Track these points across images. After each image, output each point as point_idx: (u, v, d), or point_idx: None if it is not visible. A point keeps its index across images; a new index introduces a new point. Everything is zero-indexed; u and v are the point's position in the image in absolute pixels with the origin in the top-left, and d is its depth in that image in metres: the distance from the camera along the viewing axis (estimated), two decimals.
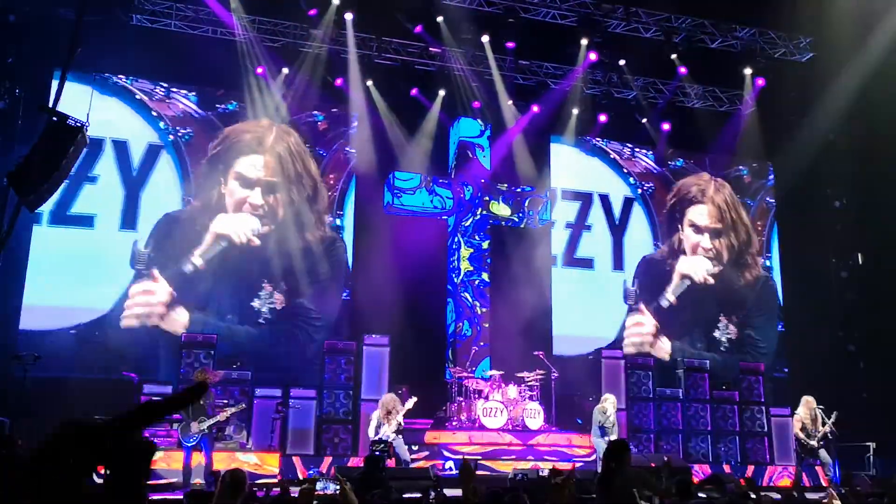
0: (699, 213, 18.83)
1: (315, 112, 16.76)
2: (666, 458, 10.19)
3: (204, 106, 16.08)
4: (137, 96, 15.70)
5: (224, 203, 15.74)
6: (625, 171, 18.89)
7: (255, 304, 15.57)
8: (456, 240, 16.73)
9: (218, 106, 16.14)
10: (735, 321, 18.49)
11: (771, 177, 19.77)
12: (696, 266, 18.48)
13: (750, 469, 14.24)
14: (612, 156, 18.84)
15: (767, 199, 19.64)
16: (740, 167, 19.55)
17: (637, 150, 19.02)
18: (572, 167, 18.51)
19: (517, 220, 16.97)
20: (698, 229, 18.71)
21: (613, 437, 12.72)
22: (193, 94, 16.06)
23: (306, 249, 15.98)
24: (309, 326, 15.76)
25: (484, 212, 16.75)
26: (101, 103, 14.67)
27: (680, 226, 18.75)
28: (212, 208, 15.65)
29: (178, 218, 15.52)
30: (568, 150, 18.46)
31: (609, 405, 12.77)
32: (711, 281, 18.48)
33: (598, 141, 18.59)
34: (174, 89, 15.96)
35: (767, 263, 19.25)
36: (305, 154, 16.41)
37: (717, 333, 18.30)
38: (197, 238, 15.43)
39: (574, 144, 18.33)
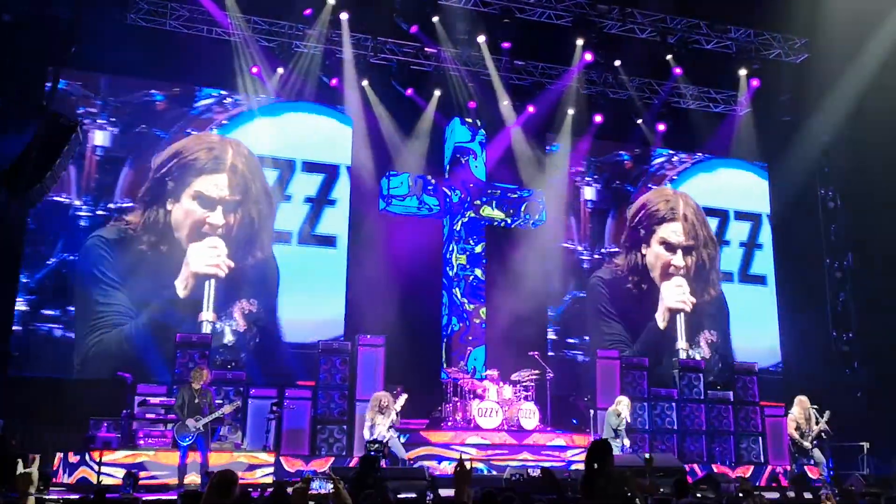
0: (672, 231, 18.35)
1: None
2: (647, 456, 10.17)
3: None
4: None
5: (171, 221, 15.12)
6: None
7: (218, 325, 15.24)
8: (450, 247, 16.77)
9: None
10: (707, 340, 18.22)
11: (657, 161, 19.00)
12: (681, 293, 18.03)
13: (749, 469, 14.29)
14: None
15: (650, 185, 18.85)
16: (621, 152, 18.77)
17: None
18: None
19: (509, 221, 17.03)
20: (671, 247, 18.24)
21: (626, 441, 12.75)
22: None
23: (265, 263, 15.73)
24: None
25: (473, 214, 16.78)
26: None
27: (645, 244, 18.25)
28: (157, 229, 15.03)
29: (124, 242, 14.79)
30: None
31: (623, 408, 12.72)
32: (695, 300, 18.25)
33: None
34: None
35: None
36: (260, 170, 15.92)
37: (691, 352, 17.88)
38: (172, 268, 15.06)
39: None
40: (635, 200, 18.56)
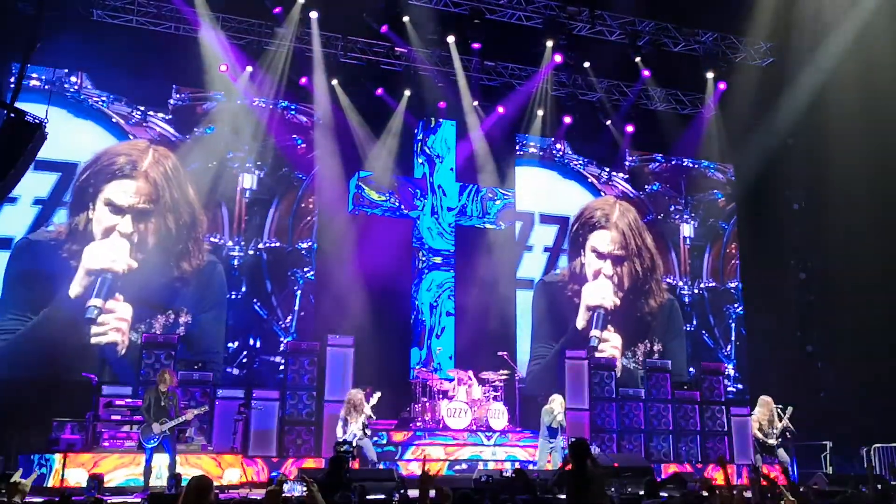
0: (601, 239, 18.23)
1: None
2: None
3: (181, 129, 15.60)
4: (114, 119, 15.20)
5: (91, 230, 14.65)
6: (603, 195, 18.71)
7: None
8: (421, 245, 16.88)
9: (196, 130, 15.66)
10: (642, 349, 18.02)
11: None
12: (602, 292, 17.86)
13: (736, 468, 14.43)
14: (589, 179, 18.69)
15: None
16: (715, 190, 19.67)
17: (613, 173, 18.82)
18: (549, 190, 18.36)
19: (475, 222, 17.21)
20: (601, 255, 18.12)
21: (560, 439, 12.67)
22: (170, 116, 15.56)
23: (182, 279, 15.19)
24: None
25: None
26: (76, 126, 14.66)
27: (582, 251, 18.18)
28: (78, 236, 14.55)
29: (40, 244, 14.42)
30: (545, 174, 18.46)
31: (556, 405, 12.67)
32: (619, 303, 18.05)
33: (576, 164, 18.59)
34: (150, 112, 15.45)
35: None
36: (183, 179, 15.28)
37: (624, 361, 17.75)
38: (65, 269, 14.39)
39: (551, 167, 18.39)
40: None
